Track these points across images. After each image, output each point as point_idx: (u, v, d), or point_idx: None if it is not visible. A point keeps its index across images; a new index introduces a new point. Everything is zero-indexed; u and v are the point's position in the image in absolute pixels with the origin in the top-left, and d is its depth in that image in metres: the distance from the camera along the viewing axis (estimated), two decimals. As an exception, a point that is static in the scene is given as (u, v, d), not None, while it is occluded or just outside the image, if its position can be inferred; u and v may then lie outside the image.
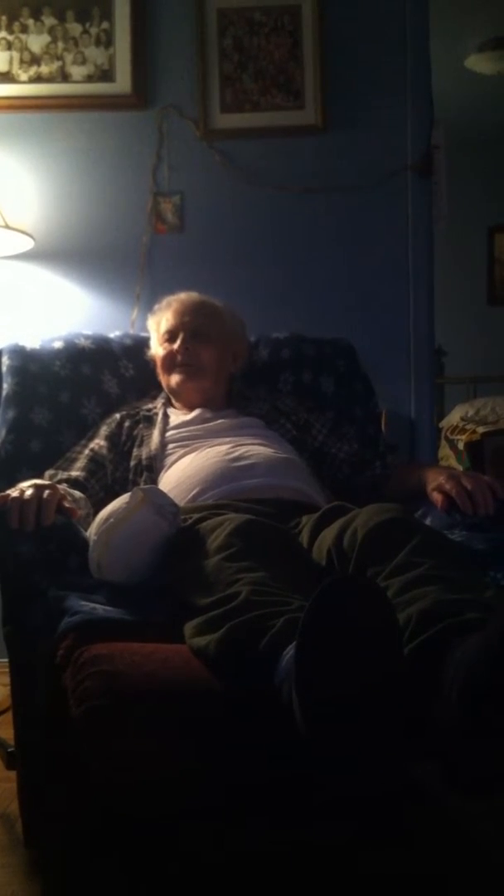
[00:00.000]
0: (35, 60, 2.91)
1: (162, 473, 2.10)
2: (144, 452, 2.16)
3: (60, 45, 2.91)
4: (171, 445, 2.17)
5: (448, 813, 1.42)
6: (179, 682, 1.38)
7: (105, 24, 2.91)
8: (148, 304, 2.64)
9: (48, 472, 2.15)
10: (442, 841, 1.44)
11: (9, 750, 1.87)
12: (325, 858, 1.39)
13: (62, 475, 2.13)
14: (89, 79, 2.91)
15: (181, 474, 2.05)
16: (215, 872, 1.37)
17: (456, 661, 1.20)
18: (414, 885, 1.43)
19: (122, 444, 2.21)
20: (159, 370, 2.36)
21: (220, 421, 2.24)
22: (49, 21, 2.91)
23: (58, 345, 2.45)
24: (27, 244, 2.81)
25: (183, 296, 2.41)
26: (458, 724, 1.17)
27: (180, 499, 1.92)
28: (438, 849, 1.44)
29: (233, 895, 1.41)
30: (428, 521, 1.92)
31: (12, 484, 1.87)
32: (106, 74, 2.91)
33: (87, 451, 2.20)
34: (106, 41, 2.91)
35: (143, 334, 2.53)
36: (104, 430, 2.25)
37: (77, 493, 2.03)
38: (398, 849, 1.41)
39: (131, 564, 1.70)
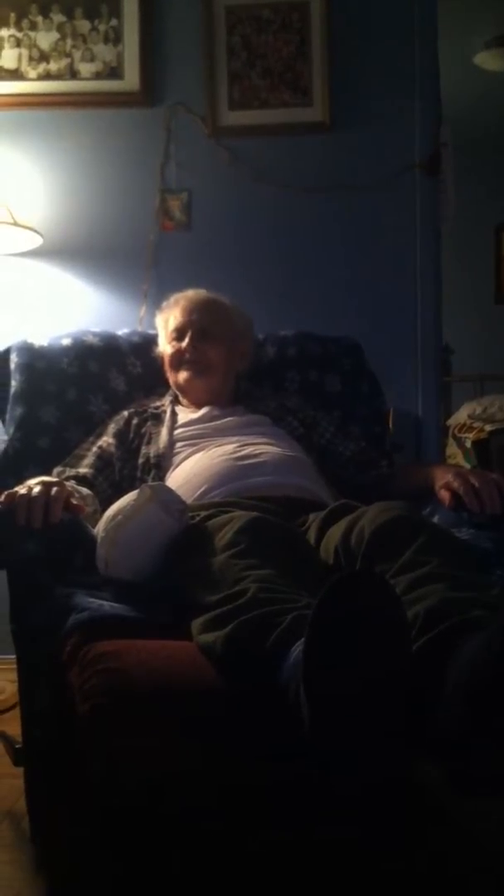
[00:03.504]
0: (44, 58, 2.91)
1: (170, 471, 2.11)
2: (153, 450, 2.16)
3: (69, 42, 2.91)
4: (179, 444, 2.17)
5: (450, 813, 1.42)
6: (185, 679, 1.38)
7: (114, 22, 2.91)
8: (156, 301, 2.64)
9: (56, 469, 2.15)
10: (443, 841, 1.44)
11: (16, 746, 1.87)
12: (327, 859, 1.39)
13: (70, 472, 2.13)
14: (98, 76, 2.92)
15: (189, 472, 2.05)
16: (217, 871, 1.37)
17: (460, 660, 1.20)
18: (415, 885, 1.43)
19: (130, 441, 2.21)
20: (167, 368, 2.36)
21: (227, 419, 2.24)
22: (58, 18, 2.91)
23: (66, 342, 2.45)
24: (35, 241, 2.81)
25: (191, 293, 2.41)
26: (461, 723, 1.17)
27: (188, 496, 1.92)
28: (439, 849, 1.44)
29: (234, 895, 1.41)
30: (435, 519, 1.92)
31: (20, 481, 1.87)
32: (114, 72, 2.91)
33: (94, 449, 2.20)
34: (114, 38, 2.91)
35: (151, 331, 2.53)
36: (112, 427, 2.25)
37: (84, 490, 2.04)
38: (399, 849, 1.41)
39: (138, 562, 1.71)
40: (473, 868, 1.48)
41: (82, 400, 2.39)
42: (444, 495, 1.95)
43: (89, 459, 2.18)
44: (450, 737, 1.18)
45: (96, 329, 2.55)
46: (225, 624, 1.37)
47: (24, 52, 2.91)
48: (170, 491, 1.78)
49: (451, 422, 4.94)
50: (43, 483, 1.82)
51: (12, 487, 1.81)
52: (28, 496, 1.76)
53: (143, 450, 2.18)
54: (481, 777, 1.19)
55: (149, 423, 2.24)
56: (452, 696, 1.18)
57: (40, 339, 2.45)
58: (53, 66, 2.92)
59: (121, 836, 1.36)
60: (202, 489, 1.99)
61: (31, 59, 2.91)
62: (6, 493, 1.78)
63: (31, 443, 2.31)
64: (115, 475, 2.17)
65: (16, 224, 2.73)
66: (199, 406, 2.30)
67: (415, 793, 1.32)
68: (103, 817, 1.38)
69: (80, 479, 2.10)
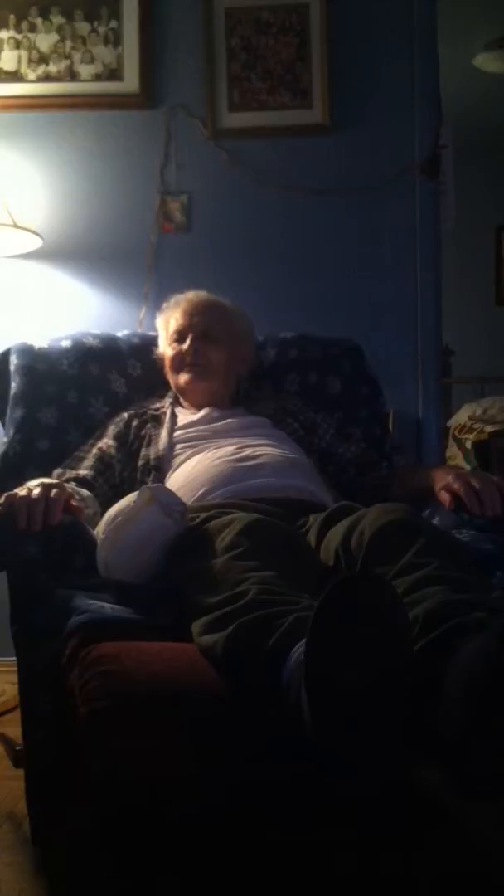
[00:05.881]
0: (43, 59, 2.92)
1: (169, 473, 2.10)
2: (152, 452, 2.16)
3: (69, 44, 2.91)
4: (178, 445, 2.16)
5: (449, 813, 1.42)
6: (185, 681, 1.38)
7: (113, 23, 2.91)
8: (155, 303, 2.64)
9: (56, 471, 2.15)
10: (442, 841, 1.44)
11: (16, 749, 1.87)
12: (327, 859, 1.39)
13: (70, 474, 2.13)
14: (97, 78, 2.92)
15: (189, 474, 2.05)
16: (217, 872, 1.37)
17: (460, 661, 1.20)
18: (414, 886, 1.43)
19: (129, 443, 2.21)
20: (167, 370, 2.36)
21: (227, 421, 2.24)
22: (57, 20, 2.92)
23: (65, 344, 2.45)
24: (35, 243, 2.81)
25: (191, 295, 2.41)
26: (460, 724, 1.17)
27: (188, 498, 1.92)
28: (439, 849, 1.44)
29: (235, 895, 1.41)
30: (435, 521, 1.92)
31: (20, 483, 1.87)
32: (114, 73, 2.92)
33: (94, 450, 2.20)
34: (114, 40, 2.91)
35: (151, 333, 2.53)
36: (112, 429, 2.25)
37: (84, 492, 2.03)
38: (399, 849, 1.41)
39: (138, 563, 1.70)
40: (473, 868, 1.48)
41: (82, 402, 2.39)
42: (445, 497, 1.95)
43: (89, 461, 2.17)
44: (450, 737, 1.18)
45: (96, 331, 2.54)
46: (225, 626, 1.37)
47: (24, 53, 2.92)
48: (170, 493, 1.78)
49: (452, 423, 4.94)
50: (43, 485, 1.82)
51: (12, 489, 1.81)
52: (28, 498, 1.76)
53: (143, 451, 2.18)
54: (481, 777, 1.19)
55: (148, 425, 2.24)
56: (452, 697, 1.18)
57: (40, 340, 2.44)
58: (53, 68, 2.92)
59: (121, 837, 1.36)
60: (202, 491, 1.98)
61: (30, 60, 2.91)
62: (6, 494, 1.78)
63: (31, 445, 2.31)
64: (115, 477, 2.16)
65: (16, 226, 2.73)
66: (199, 408, 2.30)
67: (415, 793, 1.32)
68: (103, 818, 1.38)
69: (80, 481, 2.10)
